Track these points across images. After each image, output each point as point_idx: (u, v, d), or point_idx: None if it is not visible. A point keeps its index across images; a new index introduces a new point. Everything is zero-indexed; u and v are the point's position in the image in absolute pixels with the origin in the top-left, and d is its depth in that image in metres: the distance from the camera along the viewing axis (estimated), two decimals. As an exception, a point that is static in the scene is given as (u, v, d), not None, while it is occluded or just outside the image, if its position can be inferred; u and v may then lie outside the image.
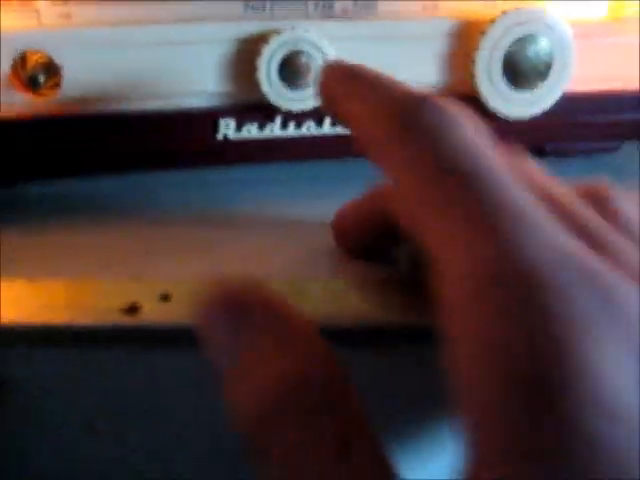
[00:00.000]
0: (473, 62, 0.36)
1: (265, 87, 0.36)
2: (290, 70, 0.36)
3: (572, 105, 0.38)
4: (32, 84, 0.34)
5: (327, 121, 0.38)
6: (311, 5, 0.37)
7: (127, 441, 0.31)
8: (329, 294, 0.30)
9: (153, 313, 0.29)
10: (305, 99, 0.36)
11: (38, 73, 0.34)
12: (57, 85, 0.34)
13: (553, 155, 0.40)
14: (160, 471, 0.31)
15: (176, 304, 0.29)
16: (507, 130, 0.37)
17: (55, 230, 0.35)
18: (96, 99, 0.35)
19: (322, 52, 0.36)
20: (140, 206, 0.37)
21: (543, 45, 0.36)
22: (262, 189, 0.39)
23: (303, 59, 0.35)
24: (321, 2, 0.37)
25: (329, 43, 0.36)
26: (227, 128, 0.37)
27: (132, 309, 0.29)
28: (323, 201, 0.33)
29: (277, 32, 0.35)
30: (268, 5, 0.36)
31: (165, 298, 0.29)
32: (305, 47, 0.35)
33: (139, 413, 0.30)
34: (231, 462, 0.29)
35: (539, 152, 0.40)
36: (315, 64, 0.36)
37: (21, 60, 0.34)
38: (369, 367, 0.28)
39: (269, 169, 0.39)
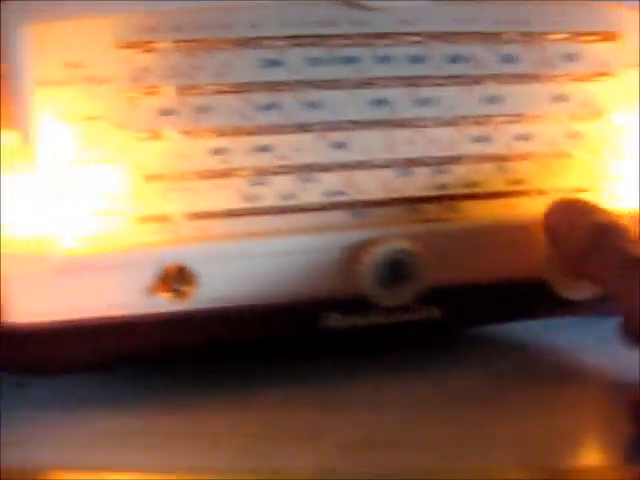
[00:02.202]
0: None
1: (367, 290, 0.42)
2: (389, 275, 0.42)
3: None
4: (175, 293, 0.40)
5: (415, 310, 0.44)
6: (402, 210, 0.43)
7: None
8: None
9: None
10: (402, 297, 0.42)
11: (180, 284, 0.40)
12: (193, 289, 0.41)
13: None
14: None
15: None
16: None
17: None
18: (225, 299, 0.42)
19: (416, 259, 0.42)
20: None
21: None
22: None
23: (400, 267, 0.42)
24: (411, 207, 0.43)
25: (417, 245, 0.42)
26: (331, 320, 0.43)
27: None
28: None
29: (378, 242, 0.41)
30: (366, 213, 0.43)
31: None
32: (403, 257, 0.42)
33: None
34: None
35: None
36: (412, 269, 0.42)
37: (165, 271, 0.40)
38: None
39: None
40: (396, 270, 0.42)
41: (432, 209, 0.44)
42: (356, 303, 0.43)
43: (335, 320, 0.43)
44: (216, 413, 0.40)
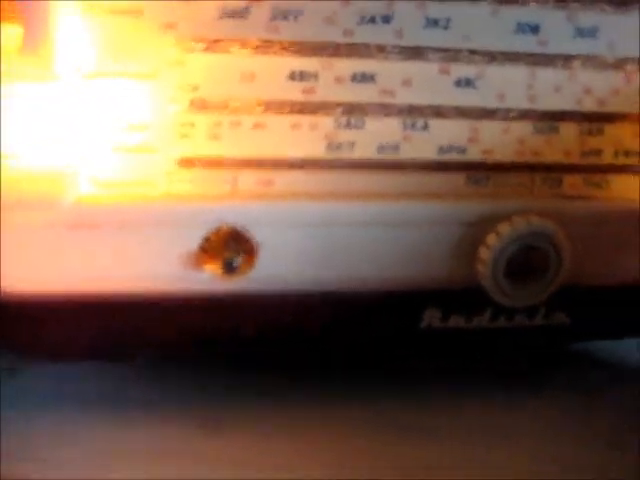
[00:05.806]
0: None
1: (487, 282, 0.31)
2: (519, 265, 0.31)
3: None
4: (226, 267, 0.29)
5: (540, 313, 0.33)
6: (538, 180, 0.32)
7: None
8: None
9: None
10: (531, 296, 0.32)
11: (234, 255, 0.29)
12: (250, 265, 0.30)
13: None
14: None
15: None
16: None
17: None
18: (290, 281, 0.31)
19: (555, 245, 0.31)
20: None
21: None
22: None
23: (537, 255, 0.31)
24: (549, 177, 0.32)
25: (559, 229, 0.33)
26: (432, 318, 0.32)
27: None
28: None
29: (506, 219, 0.31)
30: (491, 178, 0.32)
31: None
32: (540, 243, 0.31)
33: None
34: None
35: None
36: (549, 258, 0.31)
37: (214, 236, 0.29)
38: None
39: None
40: (531, 260, 0.31)
41: (574, 182, 0.34)
42: (470, 299, 0.34)
43: (440, 319, 0.33)
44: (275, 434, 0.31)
